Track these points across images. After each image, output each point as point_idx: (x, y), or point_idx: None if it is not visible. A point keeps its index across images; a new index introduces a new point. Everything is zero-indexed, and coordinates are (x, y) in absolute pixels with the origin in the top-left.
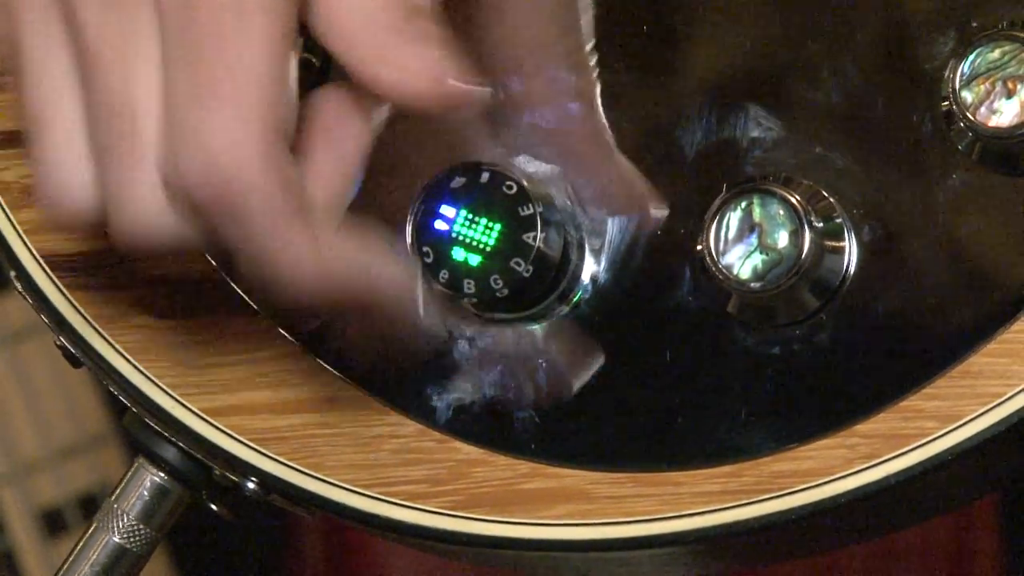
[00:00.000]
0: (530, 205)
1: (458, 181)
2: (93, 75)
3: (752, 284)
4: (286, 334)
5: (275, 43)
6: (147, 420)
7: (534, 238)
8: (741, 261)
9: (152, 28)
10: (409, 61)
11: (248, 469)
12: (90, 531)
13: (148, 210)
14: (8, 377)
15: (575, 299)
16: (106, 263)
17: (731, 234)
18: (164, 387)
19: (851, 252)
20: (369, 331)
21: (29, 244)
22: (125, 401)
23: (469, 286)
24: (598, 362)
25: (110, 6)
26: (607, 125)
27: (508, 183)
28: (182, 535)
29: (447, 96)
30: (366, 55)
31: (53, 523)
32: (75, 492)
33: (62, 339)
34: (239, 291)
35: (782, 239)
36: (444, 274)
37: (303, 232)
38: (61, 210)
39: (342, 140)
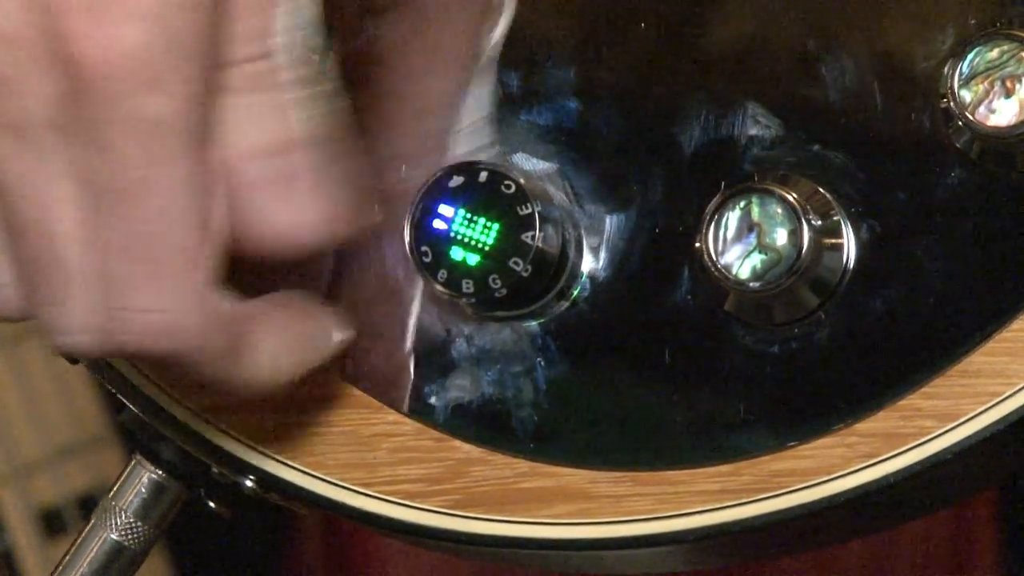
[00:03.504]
0: (528, 204)
1: (456, 180)
2: (11, 207)
3: (751, 283)
4: None
5: (194, 185)
6: (144, 417)
7: (532, 237)
8: (740, 260)
9: (66, 166)
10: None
11: (246, 467)
12: (88, 528)
13: (80, 340)
14: (8, 377)
15: (573, 297)
16: None
17: (730, 233)
18: (161, 384)
19: (850, 251)
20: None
21: None
22: (122, 398)
23: (468, 286)
24: (596, 360)
25: (12, 140)
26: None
27: (507, 182)
28: (180, 533)
29: (345, 232)
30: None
31: (52, 523)
32: (74, 492)
33: None
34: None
35: (781, 238)
36: (443, 274)
37: (239, 366)
38: None
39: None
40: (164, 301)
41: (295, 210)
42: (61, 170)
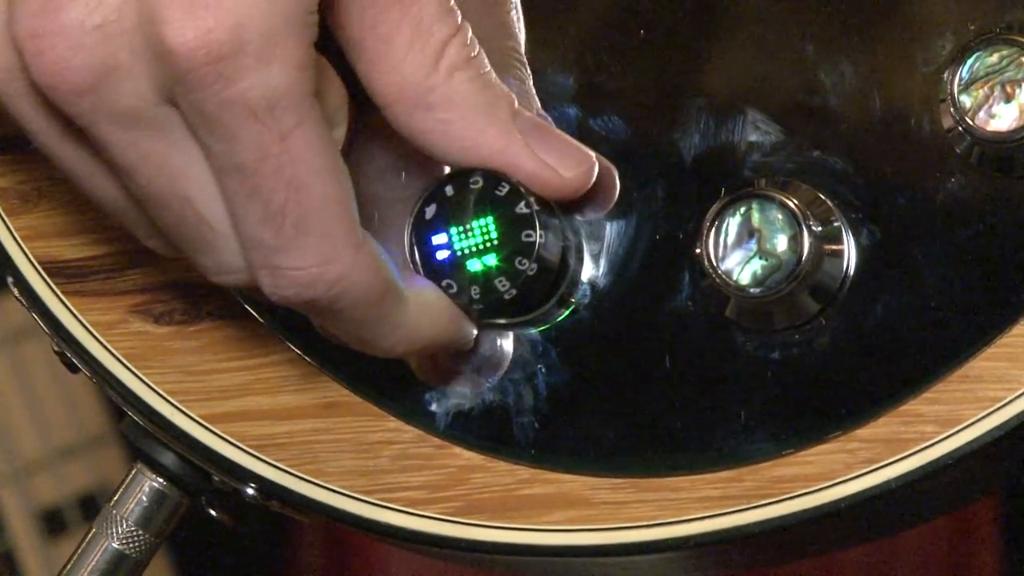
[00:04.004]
0: (525, 203)
1: (451, 189)
2: (140, 184)
3: (751, 289)
4: (285, 340)
5: (321, 145)
6: (145, 426)
7: (534, 234)
8: (740, 266)
9: (187, 139)
10: (564, 158)
11: (247, 475)
12: (89, 536)
13: (237, 279)
14: (8, 377)
15: (574, 304)
16: (104, 269)
17: (730, 239)
18: (163, 394)
19: (850, 256)
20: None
21: (26, 250)
22: (124, 407)
23: (475, 292)
24: (597, 367)
25: (129, 125)
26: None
27: (501, 184)
28: (181, 539)
29: (594, 174)
30: (527, 164)
31: (52, 523)
32: (74, 492)
33: (60, 345)
34: (239, 298)
35: (781, 244)
36: (448, 283)
37: (396, 307)
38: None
39: None
40: (317, 257)
41: (561, 158)
42: (183, 144)
